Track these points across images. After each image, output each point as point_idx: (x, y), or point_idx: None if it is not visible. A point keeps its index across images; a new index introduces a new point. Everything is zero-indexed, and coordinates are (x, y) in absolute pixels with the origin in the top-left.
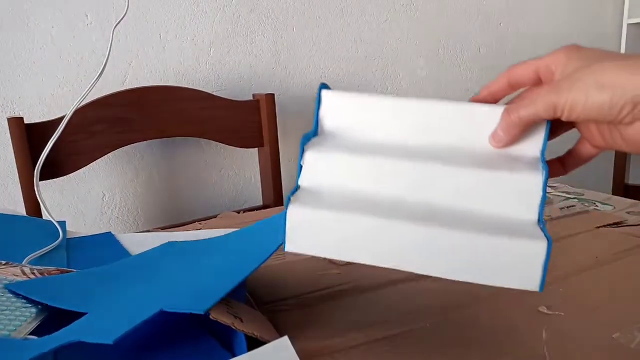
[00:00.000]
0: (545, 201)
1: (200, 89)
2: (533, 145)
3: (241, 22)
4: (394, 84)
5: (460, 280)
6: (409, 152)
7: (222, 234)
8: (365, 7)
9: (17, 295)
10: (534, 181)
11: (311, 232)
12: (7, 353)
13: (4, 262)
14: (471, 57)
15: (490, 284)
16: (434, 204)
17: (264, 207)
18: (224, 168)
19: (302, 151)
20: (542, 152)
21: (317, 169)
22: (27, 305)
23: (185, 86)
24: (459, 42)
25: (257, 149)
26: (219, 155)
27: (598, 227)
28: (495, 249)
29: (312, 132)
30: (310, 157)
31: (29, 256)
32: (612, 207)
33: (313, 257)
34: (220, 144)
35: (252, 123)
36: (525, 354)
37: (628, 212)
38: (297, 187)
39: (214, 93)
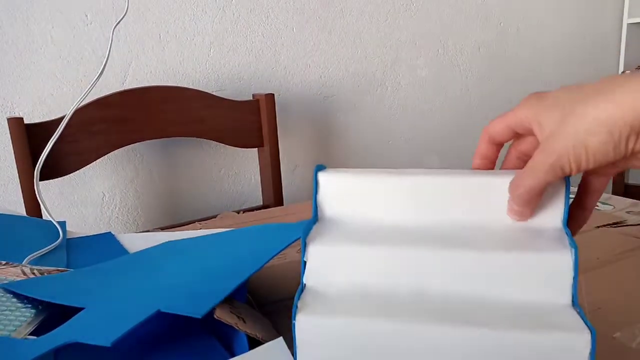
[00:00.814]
0: (577, 281)
1: (200, 89)
2: (554, 214)
3: (241, 22)
4: (394, 84)
5: None
6: (422, 236)
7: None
8: (365, 7)
9: (17, 295)
10: (563, 260)
11: (325, 343)
12: (7, 353)
13: (4, 262)
14: (471, 57)
15: None
16: (456, 295)
17: (264, 207)
18: (224, 168)
19: (305, 245)
20: (564, 221)
21: (322, 264)
22: (27, 305)
23: (185, 86)
24: (459, 42)
25: (257, 149)
26: (219, 155)
27: (598, 227)
28: (535, 346)
29: (312, 220)
30: (314, 252)
31: (29, 256)
32: (612, 207)
33: None
34: (220, 144)
35: (252, 123)
36: None
37: (628, 212)
38: (302, 287)
39: (214, 93)
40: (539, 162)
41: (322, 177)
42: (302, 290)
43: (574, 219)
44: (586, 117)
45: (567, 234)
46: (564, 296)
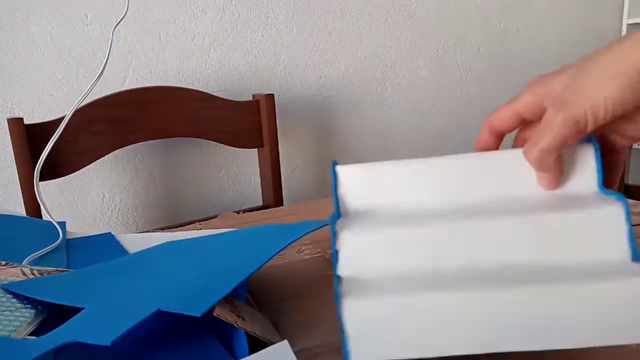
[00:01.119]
0: (634, 235)
1: (200, 89)
2: (588, 179)
3: (241, 22)
4: (394, 84)
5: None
6: (456, 212)
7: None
8: (365, 7)
9: (17, 295)
10: (613, 213)
11: (377, 325)
12: (7, 353)
13: (4, 262)
14: (471, 57)
15: (614, 343)
16: (506, 263)
17: (264, 207)
18: (224, 168)
19: (334, 235)
20: (600, 184)
21: (356, 251)
22: (27, 306)
23: (185, 86)
24: (459, 42)
25: (257, 149)
26: (219, 155)
27: None
28: (605, 295)
29: (336, 215)
30: (348, 240)
31: (29, 257)
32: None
33: (313, 258)
34: (220, 144)
35: (252, 123)
36: (527, 353)
37: None
38: (337, 277)
39: (214, 93)
40: (551, 117)
41: (341, 171)
42: (338, 280)
43: (607, 182)
44: (598, 70)
45: (608, 193)
46: (622, 252)
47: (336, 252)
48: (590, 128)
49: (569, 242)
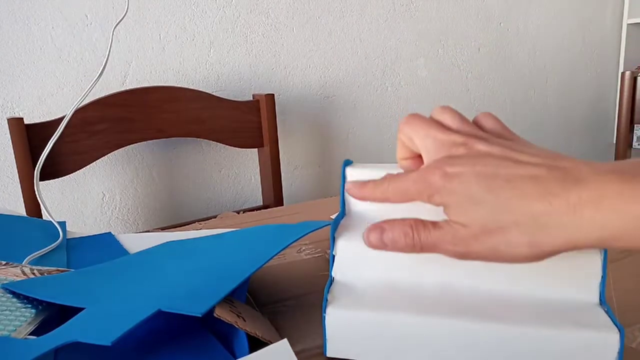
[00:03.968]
0: (605, 280)
1: (200, 89)
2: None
3: (241, 22)
4: (394, 84)
5: None
6: None
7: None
8: (365, 7)
9: (17, 295)
10: (591, 259)
11: (355, 336)
12: (7, 353)
13: (4, 262)
14: (471, 57)
15: None
16: (482, 290)
17: (264, 207)
18: (224, 168)
19: (333, 240)
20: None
21: (351, 259)
22: (27, 305)
23: (185, 86)
24: (459, 42)
25: (257, 149)
26: (219, 155)
27: None
28: (562, 344)
29: (340, 215)
30: (343, 247)
31: (29, 256)
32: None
33: (313, 258)
34: (220, 144)
35: (252, 123)
36: None
37: None
38: (331, 280)
39: (214, 93)
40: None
41: (350, 172)
42: (331, 284)
43: None
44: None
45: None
46: (592, 295)
47: (333, 256)
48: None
49: (544, 277)
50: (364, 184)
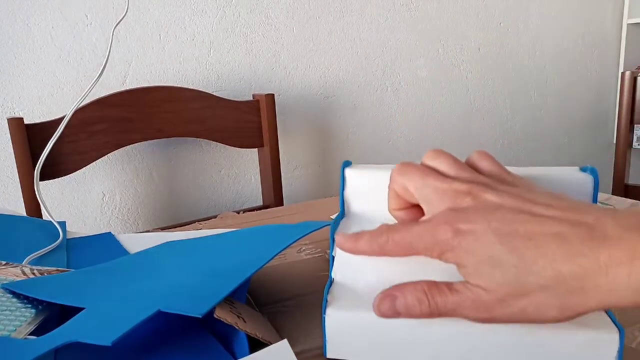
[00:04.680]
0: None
1: (200, 89)
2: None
3: (241, 22)
4: (394, 84)
5: None
6: None
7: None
8: (365, 7)
9: (17, 295)
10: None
11: (355, 337)
12: (7, 353)
13: (4, 262)
14: (471, 57)
15: None
16: None
17: (264, 207)
18: (224, 168)
19: (333, 241)
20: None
21: (350, 260)
22: (27, 305)
23: (185, 86)
24: (459, 42)
25: (257, 149)
26: (219, 155)
27: None
28: (562, 344)
29: (340, 215)
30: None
31: (29, 256)
32: (612, 207)
33: (313, 258)
34: (220, 144)
35: (252, 123)
36: None
37: None
38: (331, 281)
39: (214, 93)
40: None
41: (349, 172)
42: (330, 284)
43: None
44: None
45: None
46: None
47: (333, 257)
48: None
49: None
50: (357, 236)
